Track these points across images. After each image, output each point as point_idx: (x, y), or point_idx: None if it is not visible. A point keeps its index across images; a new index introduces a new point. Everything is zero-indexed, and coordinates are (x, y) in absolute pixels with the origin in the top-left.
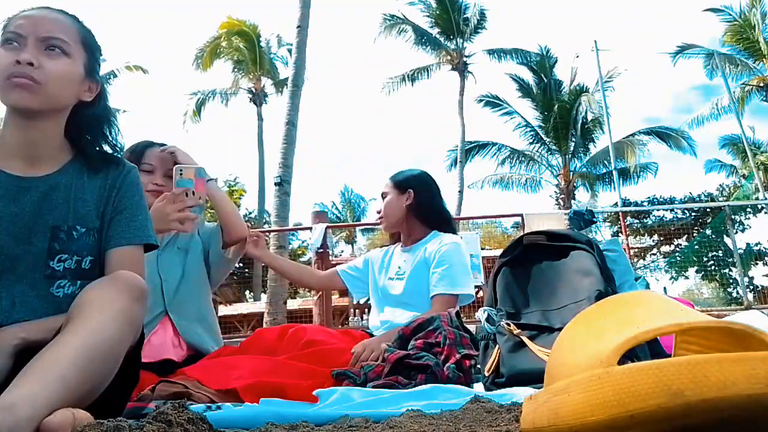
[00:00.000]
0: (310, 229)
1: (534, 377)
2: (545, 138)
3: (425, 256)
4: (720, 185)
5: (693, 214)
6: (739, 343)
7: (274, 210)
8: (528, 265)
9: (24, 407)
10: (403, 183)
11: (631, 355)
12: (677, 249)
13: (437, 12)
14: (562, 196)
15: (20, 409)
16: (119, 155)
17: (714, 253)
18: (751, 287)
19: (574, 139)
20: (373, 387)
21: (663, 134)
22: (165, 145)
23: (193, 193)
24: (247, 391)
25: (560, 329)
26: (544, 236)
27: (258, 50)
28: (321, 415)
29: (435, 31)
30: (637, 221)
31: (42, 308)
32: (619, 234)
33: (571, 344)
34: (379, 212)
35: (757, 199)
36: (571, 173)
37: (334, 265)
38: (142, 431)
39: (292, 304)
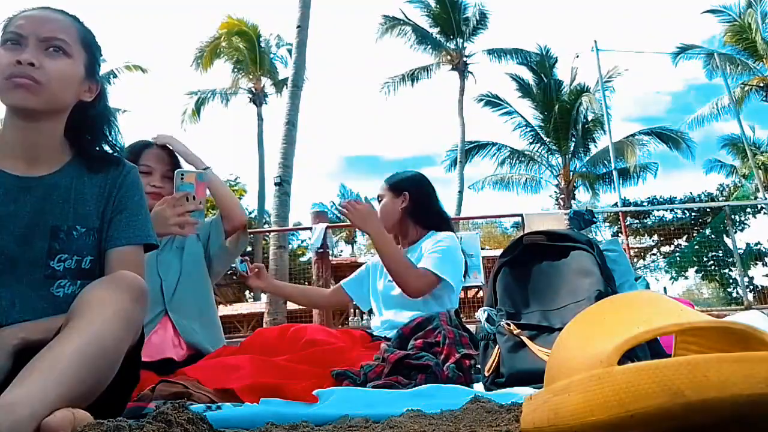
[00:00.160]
0: (310, 229)
1: (534, 377)
2: (545, 138)
3: (422, 255)
4: (720, 185)
5: (693, 214)
6: (739, 343)
7: (274, 210)
8: (528, 265)
9: (24, 407)
10: (398, 185)
11: (631, 355)
12: (677, 249)
13: (437, 12)
14: (562, 196)
15: (20, 409)
16: (119, 155)
17: (714, 253)
18: (751, 287)
19: (574, 139)
20: (373, 387)
21: (663, 135)
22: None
23: (194, 197)
24: (246, 391)
25: (560, 329)
26: (544, 236)
27: (258, 50)
28: (321, 415)
29: (435, 31)
30: (637, 221)
31: (42, 308)
32: (619, 234)
33: (571, 344)
34: None
35: (757, 199)
36: (571, 173)
37: (334, 266)
38: (142, 431)
39: (292, 304)
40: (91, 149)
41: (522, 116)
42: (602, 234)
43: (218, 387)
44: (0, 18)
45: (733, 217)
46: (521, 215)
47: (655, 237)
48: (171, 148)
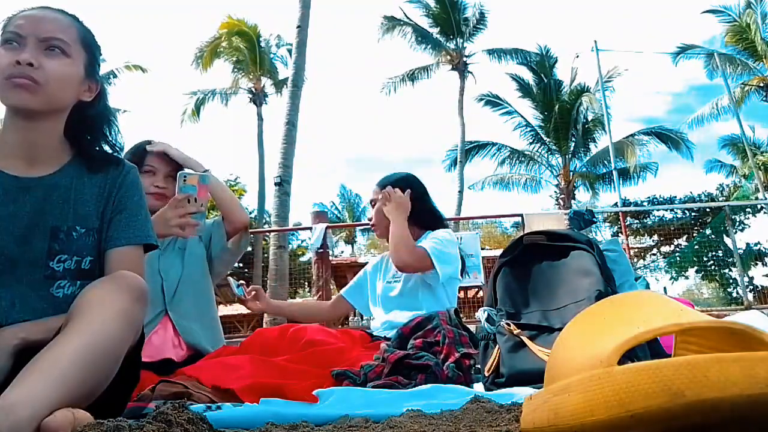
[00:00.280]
0: (310, 229)
1: (534, 377)
2: (545, 138)
3: None
4: (720, 185)
5: (693, 214)
6: (739, 343)
7: (274, 210)
8: (528, 265)
9: (24, 407)
10: (392, 187)
11: (631, 355)
12: (677, 249)
13: (437, 12)
14: (562, 196)
15: (20, 409)
16: (119, 155)
17: (714, 253)
18: (751, 287)
19: (574, 139)
20: (373, 387)
21: (663, 135)
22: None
23: (195, 199)
24: (246, 391)
25: (560, 329)
26: (544, 236)
27: (258, 50)
28: (321, 415)
29: (435, 31)
30: (637, 221)
31: (42, 308)
32: (619, 234)
33: (571, 344)
34: (370, 219)
35: (757, 199)
36: (571, 173)
37: (334, 266)
38: (142, 431)
39: None
40: (90, 149)
41: (522, 116)
42: (602, 234)
43: (218, 387)
44: (0, 18)
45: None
46: (521, 215)
47: (655, 237)
48: (168, 154)
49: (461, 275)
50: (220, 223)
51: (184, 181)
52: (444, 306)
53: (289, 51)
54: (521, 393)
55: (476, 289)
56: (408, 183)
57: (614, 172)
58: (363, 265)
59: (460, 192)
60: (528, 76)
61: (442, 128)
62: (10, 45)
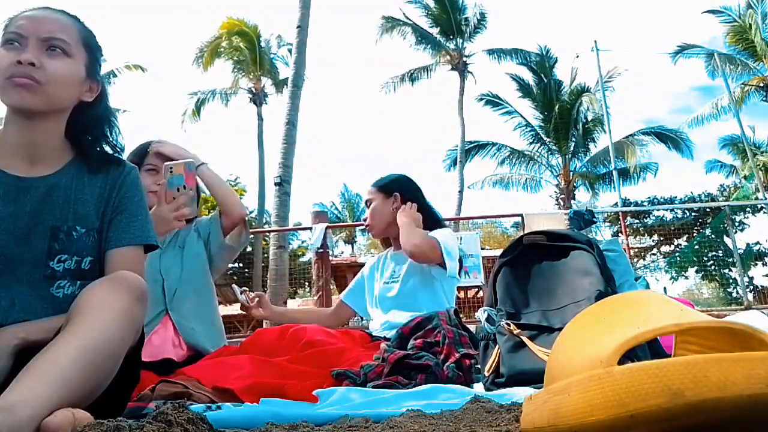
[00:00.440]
0: (310, 229)
1: (534, 377)
2: (545, 138)
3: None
4: (720, 185)
5: (693, 214)
6: (739, 343)
7: (274, 210)
8: (528, 265)
9: (24, 407)
10: (388, 187)
11: (631, 355)
12: (677, 249)
13: (437, 12)
14: (562, 196)
15: (20, 410)
16: (120, 155)
17: (714, 253)
18: (751, 287)
19: (574, 139)
20: (373, 387)
21: (662, 135)
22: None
23: (185, 187)
24: (246, 391)
25: (560, 329)
26: (544, 236)
27: (258, 50)
28: (321, 415)
29: (435, 31)
30: (637, 221)
31: (42, 308)
32: (619, 234)
33: (571, 344)
34: (365, 220)
35: (757, 199)
36: (571, 173)
37: (334, 266)
38: (142, 431)
39: (292, 304)
40: (91, 150)
41: (522, 116)
42: (602, 234)
43: (218, 387)
44: (0, 18)
45: (733, 217)
46: (521, 215)
47: (655, 237)
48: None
49: (459, 275)
50: (217, 219)
51: (171, 172)
52: (443, 306)
53: (290, 51)
54: (521, 393)
55: (476, 289)
56: (404, 183)
57: (614, 172)
58: (363, 265)
59: (460, 192)
60: (528, 76)
61: (442, 128)
62: (11, 45)
